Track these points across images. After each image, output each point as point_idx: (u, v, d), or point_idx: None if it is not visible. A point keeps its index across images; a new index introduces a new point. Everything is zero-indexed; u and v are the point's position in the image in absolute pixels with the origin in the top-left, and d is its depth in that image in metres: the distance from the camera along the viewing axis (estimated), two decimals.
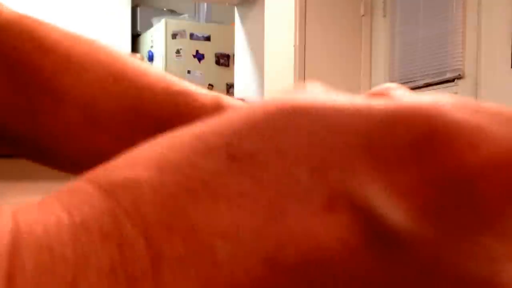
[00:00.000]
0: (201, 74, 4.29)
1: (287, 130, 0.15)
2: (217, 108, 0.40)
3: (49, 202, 0.15)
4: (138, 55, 3.84)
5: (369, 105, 0.15)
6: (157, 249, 0.14)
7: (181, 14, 4.72)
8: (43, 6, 3.80)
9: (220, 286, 0.14)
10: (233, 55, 3.57)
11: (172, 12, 4.73)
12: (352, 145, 0.15)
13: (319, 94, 0.17)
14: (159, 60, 4.28)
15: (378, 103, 0.15)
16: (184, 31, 4.35)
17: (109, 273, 0.13)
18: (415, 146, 0.14)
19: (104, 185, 0.15)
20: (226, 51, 4.35)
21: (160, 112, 0.40)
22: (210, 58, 4.40)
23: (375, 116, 0.15)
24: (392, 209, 0.14)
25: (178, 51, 4.31)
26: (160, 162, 0.15)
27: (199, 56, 4.37)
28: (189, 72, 4.29)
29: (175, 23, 4.38)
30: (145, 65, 0.42)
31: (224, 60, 4.39)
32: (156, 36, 4.40)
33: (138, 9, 4.60)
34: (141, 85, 0.40)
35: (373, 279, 0.14)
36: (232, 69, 3.69)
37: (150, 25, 4.55)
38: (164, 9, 4.75)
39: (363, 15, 3.53)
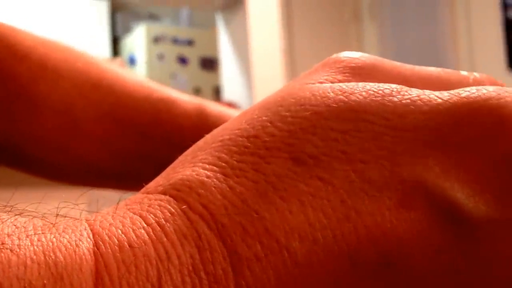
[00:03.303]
0: (185, 78, 4.19)
1: (349, 133, 0.15)
2: (200, 115, 0.40)
3: (119, 211, 0.15)
4: (118, 59, 3.73)
5: (429, 100, 0.15)
6: (234, 250, 0.14)
7: (161, 19, 4.62)
8: (20, 11, 3.71)
9: (301, 285, 0.14)
10: (219, 59, 3.50)
11: (152, 17, 4.63)
12: (421, 140, 0.15)
13: (368, 88, 0.16)
14: (141, 65, 4.17)
15: (434, 97, 0.16)
16: (166, 35, 4.24)
17: (192, 272, 0.14)
18: (485, 137, 0.15)
19: (169, 190, 0.16)
20: (211, 55, 4.23)
21: (140, 119, 0.39)
22: (194, 62, 4.26)
23: (440, 112, 0.15)
24: (469, 197, 0.14)
25: (161, 56, 4.20)
26: (218, 164, 0.16)
27: (183, 60, 4.25)
28: (173, 76, 4.18)
29: (156, 28, 4.25)
30: (124, 71, 0.42)
31: (209, 63, 4.29)
32: (137, 41, 4.28)
33: (117, 13, 4.49)
34: (120, 92, 0.39)
35: (456, 272, 0.14)
36: (218, 73, 3.62)
37: (130, 30, 4.43)
38: (144, 13, 4.66)
39: (348, 20, 3.47)
